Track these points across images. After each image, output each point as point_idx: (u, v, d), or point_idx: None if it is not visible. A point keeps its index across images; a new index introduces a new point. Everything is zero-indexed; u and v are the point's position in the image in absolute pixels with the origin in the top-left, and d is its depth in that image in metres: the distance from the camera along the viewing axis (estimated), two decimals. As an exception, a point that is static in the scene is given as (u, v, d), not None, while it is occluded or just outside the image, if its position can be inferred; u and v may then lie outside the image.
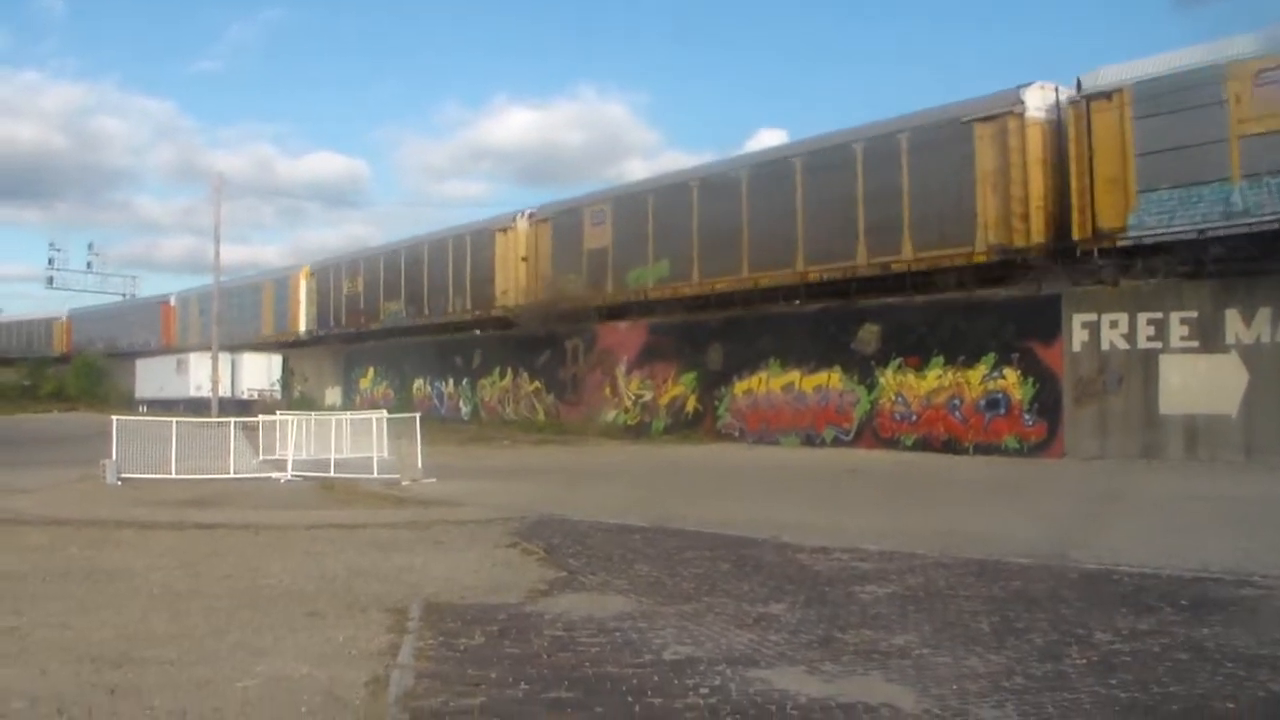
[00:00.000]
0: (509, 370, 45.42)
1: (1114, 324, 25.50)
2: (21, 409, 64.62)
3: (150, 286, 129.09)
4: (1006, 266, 28.82)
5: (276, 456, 26.00)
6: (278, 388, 58.71)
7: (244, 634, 8.95)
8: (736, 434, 34.42)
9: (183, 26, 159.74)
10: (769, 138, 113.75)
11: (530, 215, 46.69)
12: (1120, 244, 25.89)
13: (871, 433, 30.37)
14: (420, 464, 24.33)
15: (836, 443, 31.06)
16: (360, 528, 16.24)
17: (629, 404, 39.00)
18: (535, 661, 7.97)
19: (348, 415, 29.48)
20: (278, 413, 29.96)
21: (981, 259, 29.03)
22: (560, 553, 13.24)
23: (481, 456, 31.78)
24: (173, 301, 77.48)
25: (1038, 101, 28.47)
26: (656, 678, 7.44)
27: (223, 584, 11.40)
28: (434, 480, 23.43)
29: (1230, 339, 23.77)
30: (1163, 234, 25.02)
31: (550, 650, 8.31)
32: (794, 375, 32.82)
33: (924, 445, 28.88)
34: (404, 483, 23.18)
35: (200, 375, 55.27)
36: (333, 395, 56.42)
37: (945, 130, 30.04)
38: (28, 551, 13.80)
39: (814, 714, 6.67)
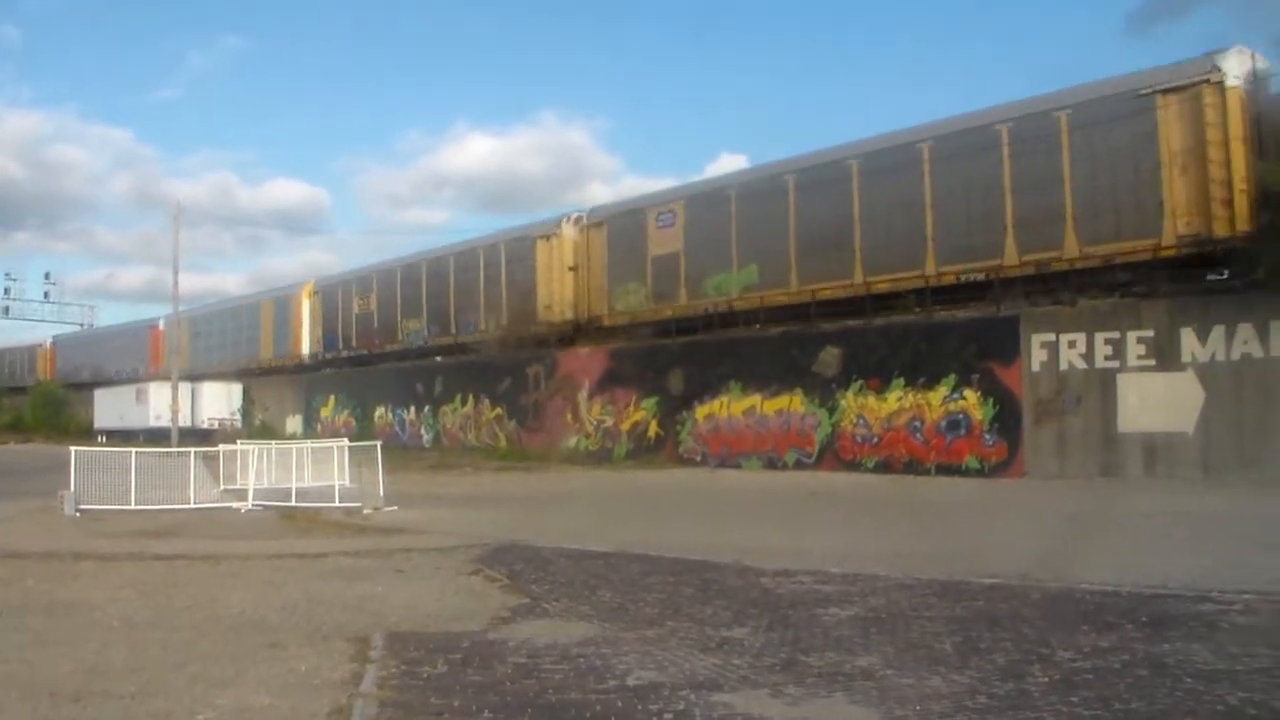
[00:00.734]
0: (470, 397, 45.30)
1: (1072, 344, 25.71)
2: (-26, 440, 64.05)
3: (109, 316, 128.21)
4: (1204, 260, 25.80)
5: (237, 486, 25.78)
6: (238, 417, 58.41)
7: (204, 665, 8.88)
8: (698, 458, 34.45)
9: (143, 55, 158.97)
10: (730, 163, 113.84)
11: (578, 219, 42.81)
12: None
13: (833, 455, 30.46)
14: (382, 492, 24.22)
15: (798, 466, 31.14)
16: (322, 557, 16.14)
17: (590, 430, 38.97)
18: (498, 689, 7.94)
19: (309, 444, 29.33)
20: (238, 442, 29.76)
21: (1171, 252, 25.56)
22: (523, 579, 13.21)
23: (443, 484, 31.65)
24: (162, 325, 71.44)
25: (1237, 68, 25.27)
26: (620, 703, 7.43)
27: (183, 615, 11.31)
28: (396, 508, 23.31)
29: (1186, 357, 24.04)
30: None
31: (514, 678, 8.28)
32: (755, 399, 32.89)
33: (885, 467, 28.98)
34: (365, 511, 23.05)
35: (160, 404, 54.84)
36: (293, 424, 56.10)
37: (1117, 105, 26.52)
38: (-16, 585, 13.65)
39: (778, 737, 6.68)
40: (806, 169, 33.65)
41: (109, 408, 63.52)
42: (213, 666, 8.84)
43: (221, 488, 25.94)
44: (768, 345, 33.17)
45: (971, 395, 27.46)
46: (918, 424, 28.55)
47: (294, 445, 28.84)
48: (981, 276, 28.50)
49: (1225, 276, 24.82)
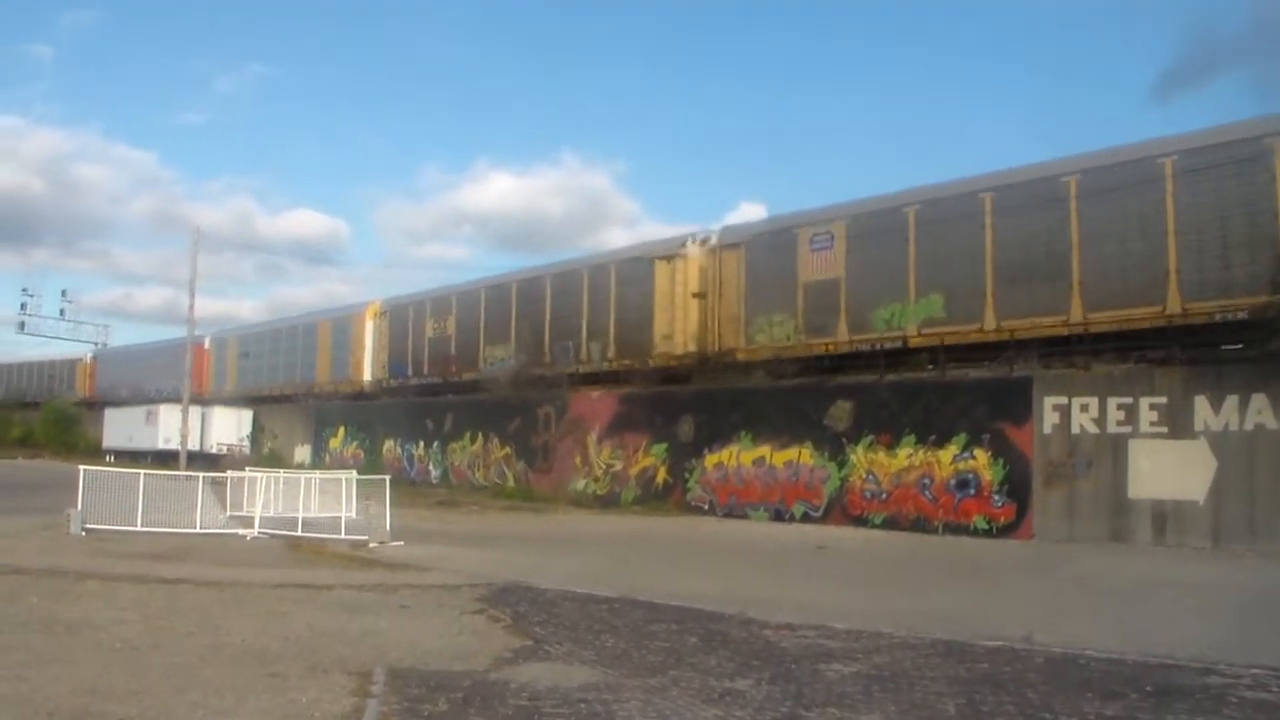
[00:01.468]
0: (480, 435, 45.14)
1: (1084, 407, 25.62)
2: (-15, 454, 64.23)
3: (122, 336, 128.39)
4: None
5: (244, 513, 25.79)
6: (247, 443, 58.32)
7: (205, 693, 8.87)
8: (706, 507, 34.32)
9: (169, 77, 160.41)
10: (751, 212, 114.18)
11: (704, 240, 37.87)
12: None
13: (841, 509, 30.33)
14: (389, 526, 24.22)
15: (806, 518, 31.01)
16: (326, 588, 16.13)
17: (599, 473, 38.85)
18: (499, 730, 7.92)
19: (317, 474, 29.34)
20: (247, 469, 29.77)
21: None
22: (527, 621, 13.18)
23: (450, 521, 31.62)
24: (207, 344, 69.09)
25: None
26: (621, 750, 7.40)
27: (185, 641, 11.30)
28: (402, 543, 23.30)
29: (1199, 425, 23.92)
30: None
31: (514, 719, 8.25)
32: (765, 449, 32.79)
33: (893, 524, 28.83)
34: (371, 545, 23.05)
35: (169, 427, 54.82)
36: (302, 453, 56.00)
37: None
38: (-13, 601, 13.66)
39: (778, 792, 6.64)
40: (1007, 185, 29.10)
41: (118, 427, 63.53)
42: (213, 694, 8.84)
43: (228, 514, 25.95)
44: (779, 396, 33.08)
45: (982, 455, 27.35)
46: (927, 481, 28.44)
47: (302, 475, 28.87)
48: (1243, 315, 24.33)
49: (1240, 346, 24.73)
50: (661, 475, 36.38)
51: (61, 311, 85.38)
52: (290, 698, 8.79)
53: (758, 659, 11.00)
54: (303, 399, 59.03)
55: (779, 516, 31.84)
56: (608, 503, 37.44)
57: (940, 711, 8.84)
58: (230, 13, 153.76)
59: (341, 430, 54.44)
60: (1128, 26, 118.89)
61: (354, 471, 29.49)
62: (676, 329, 37.54)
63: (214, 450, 55.82)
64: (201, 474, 26.94)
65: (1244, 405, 23.58)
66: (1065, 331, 27.18)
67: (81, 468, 24.37)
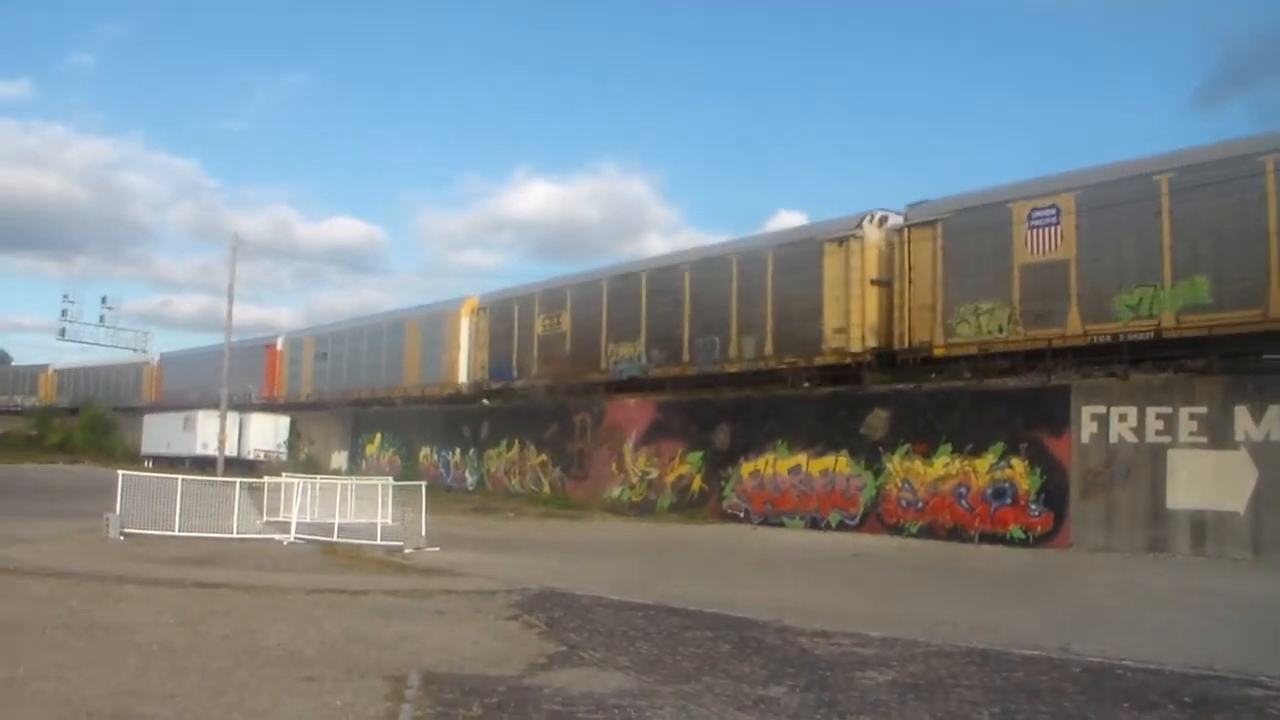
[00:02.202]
0: (516, 442, 45.13)
1: (1123, 417, 25.40)
2: (27, 458, 64.73)
3: (161, 343, 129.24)
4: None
5: (280, 518, 25.91)
6: (284, 449, 58.54)
7: (241, 695, 8.92)
8: (741, 515, 34.22)
9: (211, 86, 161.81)
10: (787, 218, 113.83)
11: (883, 219, 33.18)
12: None
13: (877, 518, 30.19)
14: (424, 532, 24.28)
15: (842, 527, 30.87)
16: (361, 594, 16.19)
17: (635, 481, 38.79)
18: (533, 735, 7.93)
19: (353, 480, 29.47)
20: (283, 475, 29.90)
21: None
22: (561, 627, 13.19)
23: (486, 527, 31.67)
24: (280, 345, 67.45)
25: None
26: (654, 756, 7.39)
27: (221, 644, 11.36)
28: (437, 549, 23.37)
29: (1240, 435, 23.65)
30: None
31: (548, 725, 8.26)
32: (801, 458, 32.67)
33: (929, 533, 28.67)
34: (407, 550, 23.11)
35: (207, 433, 55.07)
36: (339, 459, 56.17)
37: None
38: (27, 602, 13.80)
39: (811, 799, 6.62)
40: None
41: (157, 433, 63.84)
42: (249, 697, 8.88)
43: (265, 519, 26.09)
44: (815, 405, 32.97)
45: (1019, 464, 27.16)
46: (963, 490, 28.27)
47: (338, 481, 28.99)
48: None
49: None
50: (697, 483, 36.30)
51: (101, 318, 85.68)
52: (325, 701, 8.83)
53: (792, 666, 10.97)
54: (388, 404, 55.66)
55: (815, 525, 31.71)
56: (643, 510, 37.38)
57: (975, 720, 8.80)
58: (270, 22, 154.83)
59: (378, 437, 54.55)
60: None
61: (390, 478, 29.56)
62: (852, 321, 32.64)
63: (251, 456, 56.07)
64: (239, 479, 27.07)
65: (1286, 415, 23.32)
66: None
67: (120, 473, 24.55)
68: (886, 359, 32.20)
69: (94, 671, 9.69)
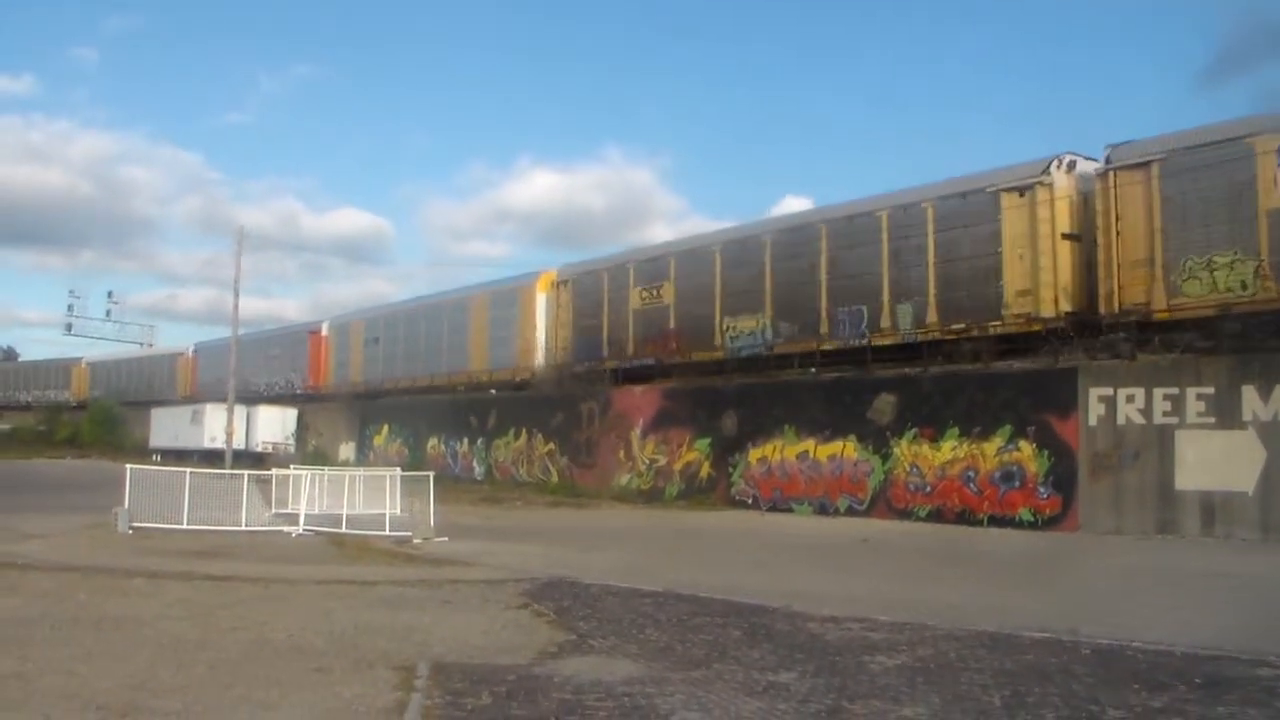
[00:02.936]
0: (524, 431, 45.13)
1: (1130, 398, 25.36)
2: (36, 453, 64.94)
3: (166, 336, 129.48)
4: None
5: (289, 510, 25.93)
6: (292, 441, 58.59)
7: (250, 688, 8.92)
8: (750, 501, 34.24)
9: (215, 79, 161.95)
10: (794, 205, 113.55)
11: (1071, 164, 28.70)
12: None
13: (885, 503, 30.18)
14: (432, 522, 24.29)
15: (850, 512, 30.87)
16: (370, 585, 16.20)
17: (643, 468, 38.79)
18: (542, 724, 7.93)
19: (361, 471, 29.48)
20: (291, 467, 29.92)
21: None
22: (570, 615, 13.18)
23: (494, 517, 31.69)
24: (324, 330, 63.77)
25: None
26: (664, 743, 7.38)
27: (230, 636, 11.37)
28: (446, 539, 23.38)
29: (1247, 415, 23.60)
30: None
31: (558, 713, 8.26)
32: (809, 444, 32.66)
33: (938, 516, 28.67)
34: (416, 541, 23.12)
35: (215, 426, 55.09)
36: (346, 451, 56.22)
37: None
38: (36, 597, 13.81)
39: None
40: None
41: (164, 427, 64.00)
42: (258, 689, 8.88)
43: (273, 511, 26.11)
44: (822, 390, 32.96)
45: (1027, 447, 27.14)
46: (971, 474, 28.24)
47: (346, 472, 29.01)
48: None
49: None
50: (705, 470, 36.31)
51: (107, 312, 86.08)
52: (334, 692, 8.83)
53: (801, 652, 10.95)
54: (450, 392, 51.33)
55: (823, 510, 31.72)
56: (651, 498, 37.42)
57: (985, 703, 8.78)
58: (274, 14, 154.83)
59: (386, 428, 54.60)
60: None
61: (398, 468, 29.57)
62: (1042, 281, 28.34)
63: (259, 449, 56.17)
64: (246, 472, 27.10)
65: (1293, 395, 23.24)
66: None
67: (128, 467, 24.59)
68: (1086, 325, 28.02)
69: (103, 665, 9.70)
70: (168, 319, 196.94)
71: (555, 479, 42.45)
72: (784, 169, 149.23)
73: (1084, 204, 28.52)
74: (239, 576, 16.47)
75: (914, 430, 29.72)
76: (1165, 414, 24.77)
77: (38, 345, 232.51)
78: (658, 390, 39.02)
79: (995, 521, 27.37)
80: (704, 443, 36.43)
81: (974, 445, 28.18)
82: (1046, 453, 26.71)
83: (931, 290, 30.50)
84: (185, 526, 23.48)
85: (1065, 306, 28.14)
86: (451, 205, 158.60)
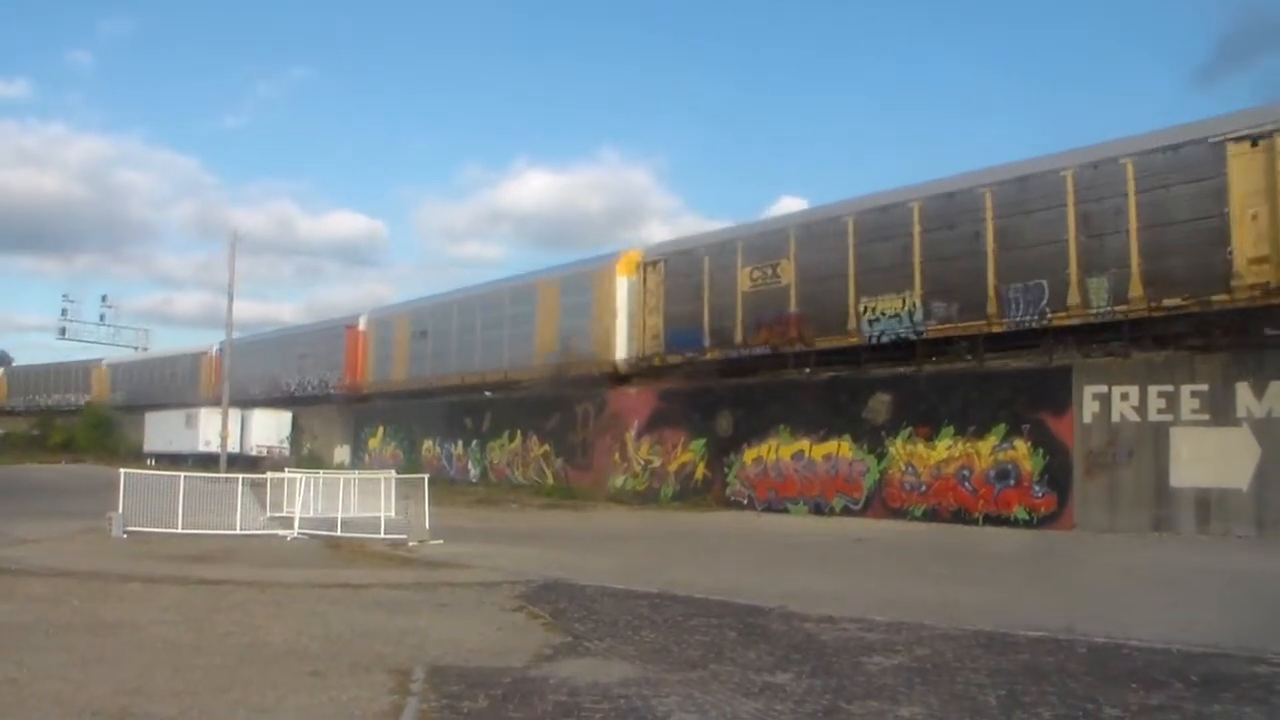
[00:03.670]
0: (518, 433, 45.13)
1: (1125, 396, 25.41)
2: (29, 458, 64.82)
3: (161, 340, 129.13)
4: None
5: (284, 514, 25.87)
6: (286, 445, 58.54)
7: (246, 692, 8.90)
8: (745, 501, 34.26)
9: (211, 82, 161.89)
10: (789, 205, 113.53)
11: None
12: None
13: (880, 502, 30.21)
14: (428, 525, 24.25)
15: (845, 512, 30.90)
16: (365, 588, 16.18)
17: (638, 470, 38.80)
18: (538, 726, 7.91)
19: (356, 474, 29.44)
20: (286, 470, 29.87)
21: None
22: (566, 617, 13.16)
23: (489, 519, 31.67)
24: (362, 325, 59.31)
25: None
26: (660, 745, 7.37)
27: (226, 641, 11.34)
28: (441, 542, 23.33)
29: (1241, 412, 23.67)
30: None
31: (554, 715, 8.24)
32: (804, 443, 32.68)
33: (933, 515, 28.70)
34: (411, 543, 23.08)
35: (209, 430, 55.01)
36: (341, 454, 56.18)
37: None
38: (30, 602, 13.78)
39: (819, 785, 6.60)
40: None
41: (159, 431, 63.86)
42: (254, 693, 8.86)
43: (268, 515, 26.04)
44: (817, 390, 32.98)
45: (1022, 445, 27.18)
46: (966, 473, 28.28)
47: (341, 475, 28.96)
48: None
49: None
50: (700, 471, 36.34)
51: (101, 317, 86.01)
52: (330, 696, 8.81)
53: (798, 652, 10.94)
54: (511, 389, 46.74)
55: (818, 510, 31.75)
56: (647, 499, 37.44)
57: (982, 703, 8.77)
58: (269, 17, 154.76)
59: (380, 430, 54.58)
60: None
61: (393, 471, 29.53)
62: None
63: (254, 452, 56.13)
64: (241, 476, 27.05)
65: (1288, 391, 23.23)
66: None
67: (122, 471, 24.54)
68: None
69: (97, 670, 9.67)
70: (163, 323, 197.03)
71: (550, 481, 42.46)
72: (780, 169, 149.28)
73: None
74: (234, 580, 16.43)
75: (909, 429, 29.76)
76: (1160, 411, 24.83)
77: (32, 350, 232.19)
78: (653, 391, 39.05)
79: (990, 520, 27.41)
80: (699, 443, 36.45)
81: (969, 444, 28.23)
82: (1041, 451, 26.76)
83: (1135, 260, 26.23)
84: (180, 530, 23.41)
85: None
86: (447, 207, 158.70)
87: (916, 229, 30.84)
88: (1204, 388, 24.30)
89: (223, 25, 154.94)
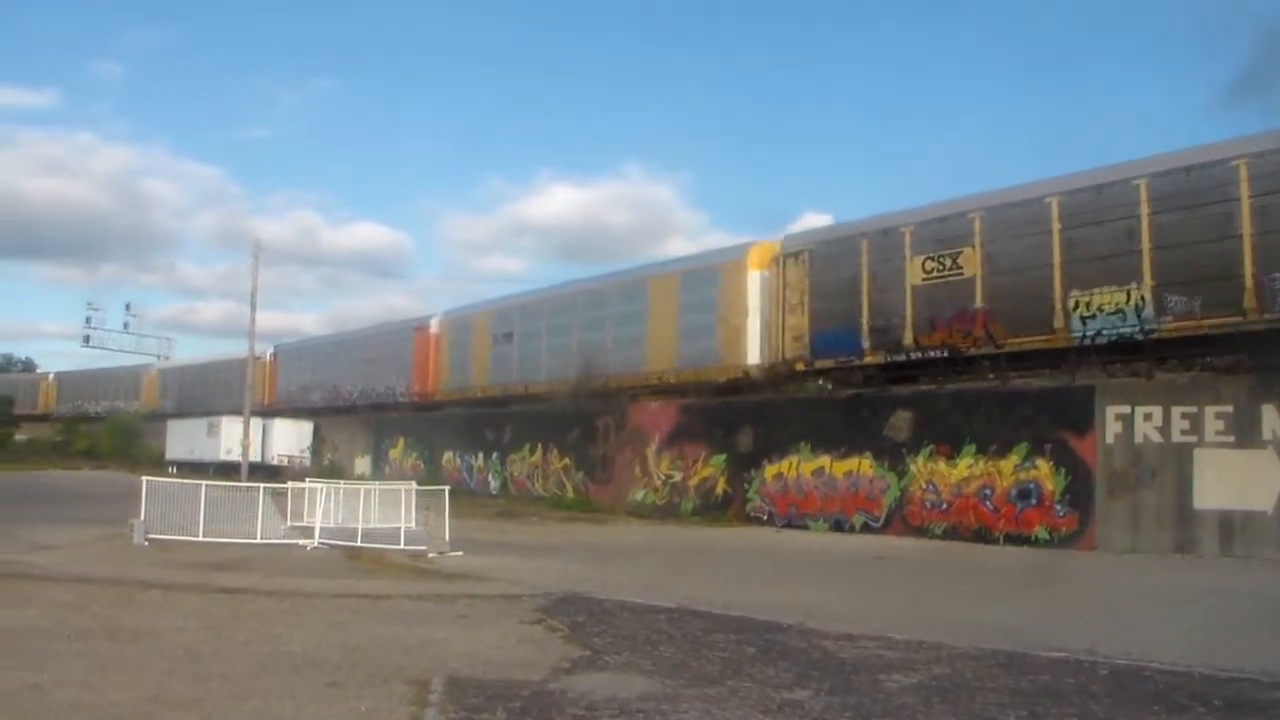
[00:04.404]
0: (539, 446, 45.03)
1: (1148, 416, 25.22)
2: (53, 465, 65.15)
3: (184, 349, 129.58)
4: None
5: (304, 523, 25.91)
6: (308, 454, 58.62)
7: (265, 701, 8.92)
8: (765, 517, 34.15)
9: (236, 93, 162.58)
10: (814, 221, 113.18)
11: None
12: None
13: (901, 520, 30.07)
14: (447, 537, 24.29)
15: (865, 529, 30.78)
16: (385, 598, 16.21)
17: (658, 484, 38.71)
18: (556, 740, 7.91)
19: (376, 485, 29.44)
20: (307, 480, 29.92)
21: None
22: (585, 631, 13.16)
23: (509, 531, 31.68)
24: (434, 327, 54.86)
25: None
26: (678, 760, 7.36)
27: (245, 649, 11.37)
28: (461, 553, 23.37)
29: (1267, 434, 23.47)
30: None
31: (572, 729, 8.24)
32: (824, 460, 32.56)
33: (953, 534, 28.54)
34: (430, 555, 23.13)
35: (231, 438, 55.11)
36: (362, 464, 56.17)
37: None
38: (51, 608, 13.84)
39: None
40: None
41: (180, 439, 64.02)
42: (273, 702, 8.89)
43: (288, 524, 26.08)
44: (838, 407, 32.89)
45: (1044, 465, 27.02)
46: (988, 492, 28.13)
47: (361, 486, 28.96)
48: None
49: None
50: (721, 486, 36.22)
51: (125, 325, 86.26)
52: (349, 706, 8.83)
53: (817, 669, 10.91)
54: (616, 397, 41.46)
55: (839, 527, 31.62)
56: (667, 513, 37.33)
57: (1002, 723, 8.74)
58: (295, 29, 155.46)
59: (401, 441, 54.52)
60: None
61: (413, 482, 29.55)
62: None
63: (275, 462, 56.21)
64: (262, 485, 27.11)
65: (1314, 414, 23.03)
66: None
67: (144, 478, 24.63)
68: None
69: (118, 677, 9.70)
70: (185, 332, 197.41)
71: (570, 494, 42.38)
72: (803, 185, 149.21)
73: None
74: (254, 589, 16.49)
75: (930, 447, 29.61)
76: (1183, 432, 24.64)
77: (56, 358, 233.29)
78: (674, 406, 38.95)
79: (1011, 539, 27.24)
80: (720, 459, 36.35)
81: (990, 463, 28.07)
82: (1063, 470, 26.58)
83: None
84: (201, 539, 23.48)
85: None
86: (470, 219, 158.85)
87: (1145, 210, 26.22)
88: (1229, 409, 24.11)
89: (248, 37, 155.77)
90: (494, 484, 47.23)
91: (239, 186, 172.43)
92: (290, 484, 28.68)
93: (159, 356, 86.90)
